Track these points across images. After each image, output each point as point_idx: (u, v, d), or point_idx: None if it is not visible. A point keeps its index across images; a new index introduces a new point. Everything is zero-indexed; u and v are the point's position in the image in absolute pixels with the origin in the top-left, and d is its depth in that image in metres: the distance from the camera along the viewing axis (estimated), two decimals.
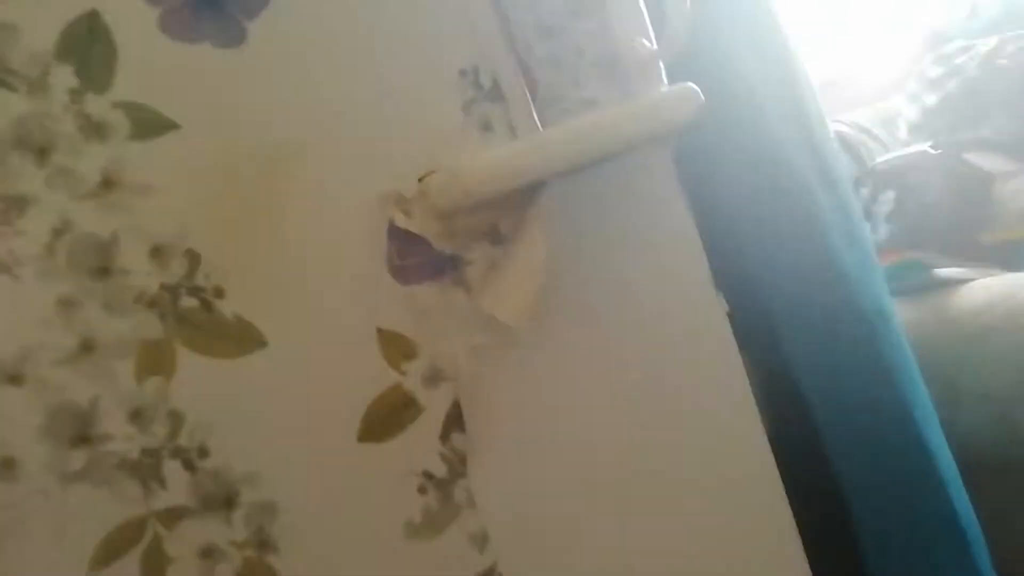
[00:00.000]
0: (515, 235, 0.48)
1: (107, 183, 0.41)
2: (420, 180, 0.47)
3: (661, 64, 0.51)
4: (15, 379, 0.40)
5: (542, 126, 0.49)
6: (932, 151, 1.24)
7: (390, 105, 0.47)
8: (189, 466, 0.42)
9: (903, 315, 0.76)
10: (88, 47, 0.41)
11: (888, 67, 1.53)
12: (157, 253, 0.42)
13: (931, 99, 1.39)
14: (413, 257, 0.48)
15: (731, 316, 0.55)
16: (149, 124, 0.42)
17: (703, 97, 0.49)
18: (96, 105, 0.41)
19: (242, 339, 0.44)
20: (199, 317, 0.43)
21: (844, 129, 1.41)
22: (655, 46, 0.51)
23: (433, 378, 0.47)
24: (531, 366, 0.50)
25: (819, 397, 0.66)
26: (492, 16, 0.50)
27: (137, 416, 0.42)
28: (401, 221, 0.47)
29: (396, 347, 0.47)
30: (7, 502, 0.39)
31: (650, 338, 0.52)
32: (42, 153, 0.40)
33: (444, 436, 0.47)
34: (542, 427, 0.50)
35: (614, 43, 0.51)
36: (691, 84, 0.49)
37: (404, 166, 0.47)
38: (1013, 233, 1.19)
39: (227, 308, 0.43)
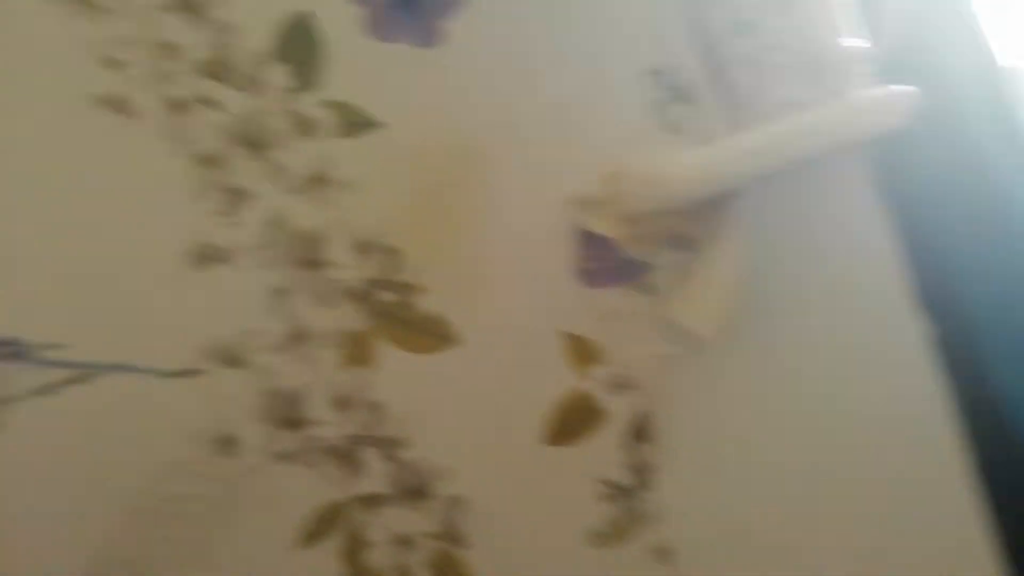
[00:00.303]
0: (707, 242, 0.46)
1: (315, 179, 0.43)
2: (608, 182, 0.46)
3: (872, 62, 0.47)
4: (234, 362, 0.42)
5: (736, 128, 0.46)
6: None
7: (578, 105, 0.46)
8: (387, 455, 0.44)
9: None
10: (302, 47, 0.43)
11: None
12: (360, 248, 0.44)
13: None
14: (599, 260, 0.47)
15: (934, 337, 0.51)
16: (354, 122, 0.43)
17: (918, 100, 0.45)
18: (307, 103, 0.43)
19: (437, 335, 0.44)
20: (398, 311, 0.44)
21: None
22: (866, 43, 0.47)
23: (618, 385, 0.46)
24: (720, 377, 0.48)
25: None
26: (684, 13, 0.48)
27: (341, 404, 0.43)
28: (590, 224, 0.46)
29: (580, 351, 0.46)
30: (225, 477, 0.42)
31: (844, 355, 0.49)
32: (258, 148, 0.42)
33: (629, 445, 0.46)
34: (731, 440, 0.48)
35: (818, 40, 0.47)
36: (907, 85, 0.45)
37: (591, 168, 0.46)
38: None
39: (424, 304, 0.44)
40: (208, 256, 0.42)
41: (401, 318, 0.44)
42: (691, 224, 0.47)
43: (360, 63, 0.43)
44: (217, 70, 0.41)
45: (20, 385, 0.40)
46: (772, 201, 0.48)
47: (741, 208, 0.46)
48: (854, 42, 0.47)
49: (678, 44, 0.46)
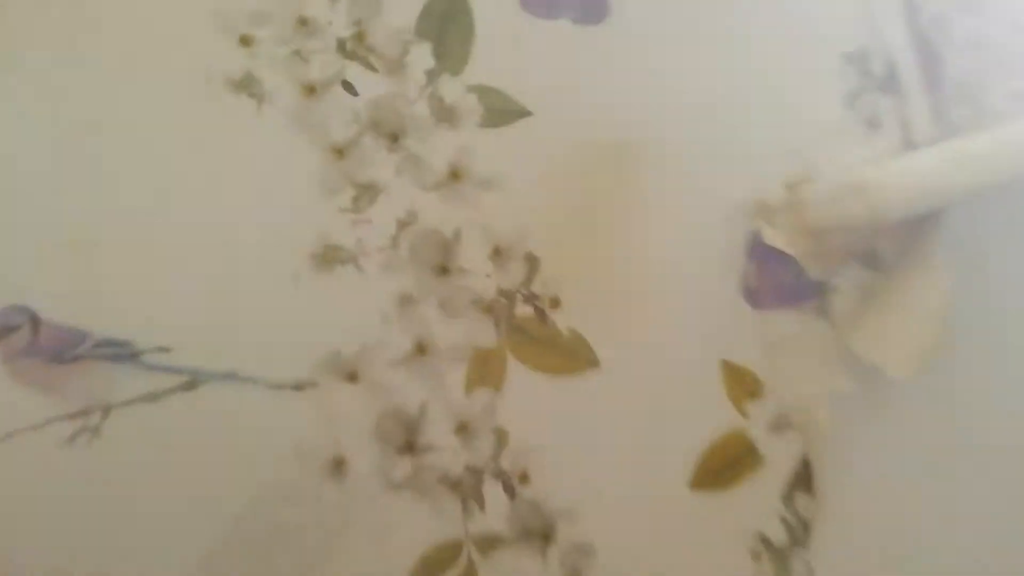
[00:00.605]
0: (901, 262, 0.39)
1: (454, 173, 0.38)
2: (791, 187, 0.39)
3: None
4: (352, 376, 0.38)
5: (951, 127, 0.39)
6: None
7: (758, 94, 0.40)
8: (509, 490, 0.39)
9: None
10: (448, 23, 0.37)
11: None
12: (497, 254, 0.38)
13: None
14: (770, 278, 0.40)
15: None
16: (501, 111, 0.38)
17: None
18: (450, 88, 0.38)
19: (574, 356, 0.39)
20: (533, 327, 0.39)
21: None
22: None
23: (779, 425, 0.40)
24: (897, 423, 0.41)
25: None
26: None
27: (463, 429, 0.38)
28: (767, 235, 0.39)
29: (741, 383, 0.40)
30: (336, 503, 0.38)
31: None
32: (394, 138, 0.37)
33: (786, 496, 0.40)
34: (903, 498, 0.41)
35: None
36: None
37: (770, 169, 0.40)
38: None
39: (561, 320, 0.39)
40: (332, 258, 0.37)
41: (536, 335, 0.39)
42: (882, 239, 0.40)
43: (512, 42, 0.38)
44: (355, 49, 0.37)
45: (125, 389, 0.36)
46: (977, 216, 0.41)
47: (946, 224, 0.39)
48: None
49: (884, 23, 0.39)
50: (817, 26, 0.40)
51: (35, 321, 0.35)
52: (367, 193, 0.37)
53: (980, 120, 0.39)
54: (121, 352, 0.36)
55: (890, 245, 0.40)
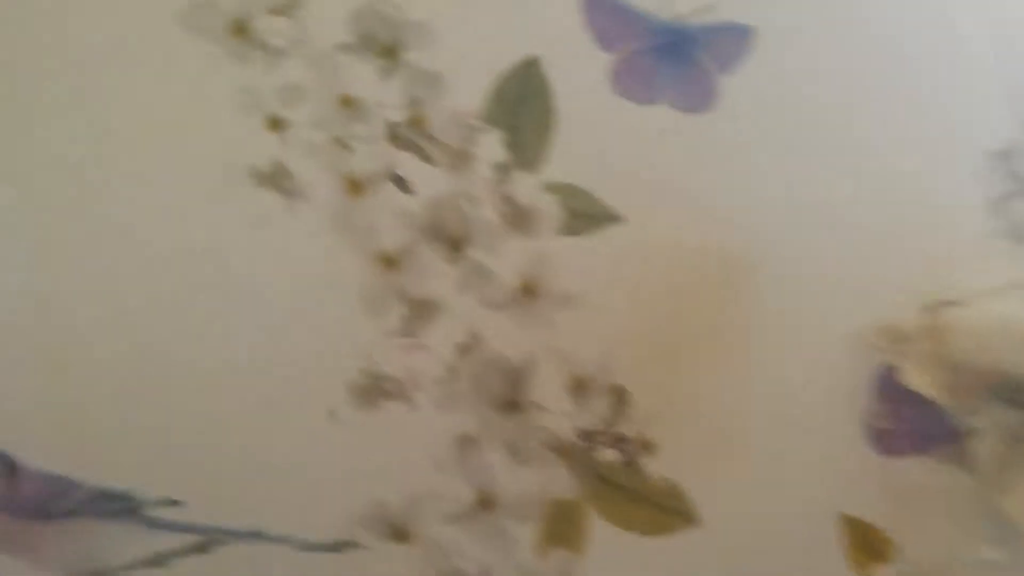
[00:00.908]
0: None
1: (527, 289, 0.31)
2: (927, 314, 0.33)
3: None
4: (401, 535, 0.31)
5: None
6: None
7: (889, 201, 0.33)
8: None
9: None
10: (524, 107, 0.31)
11: None
12: (577, 387, 0.32)
13: None
14: (902, 418, 0.33)
15: None
16: (585, 214, 0.31)
17: None
18: (525, 186, 0.31)
19: (669, 511, 0.32)
20: (620, 476, 0.32)
21: None
22: None
23: None
24: None
25: None
26: None
27: None
28: (900, 369, 0.32)
29: (865, 543, 0.33)
30: None
31: None
32: (455, 246, 0.31)
33: None
34: None
35: None
36: None
37: (902, 289, 0.33)
38: None
39: (654, 468, 0.32)
40: (378, 391, 0.31)
41: (623, 485, 0.32)
42: None
43: (600, 131, 0.31)
44: (410, 137, 0.30)
45: (123, 552, 0.29)
46: None
47: None
48: None
49: None
50: (958, 121, 0.33)
51: (12, 468, 0.29)
52: (421, 312, 0.31)
53: None
54: (119, 506, 0.29)
55: None
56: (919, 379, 0.33)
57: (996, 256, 0.34)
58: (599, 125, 0.31)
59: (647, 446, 0.32)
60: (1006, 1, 0.34)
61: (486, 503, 0.31)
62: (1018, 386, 0.34)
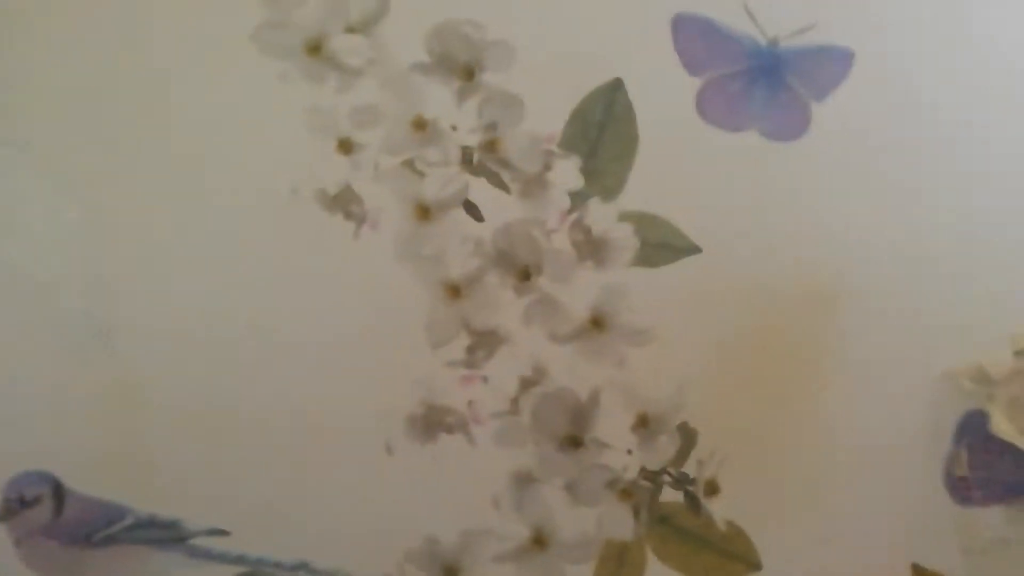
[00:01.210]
0: None
1: (596, 322, 0.30)
2: (1018, 353, 0.31)
3: None
4: (452, 572, 0.30)
5: None
6: None
7: (982, 237, 0.31)
8: None
9: None
10: (604, 133, 0.29)
11: None
12: (642, 424, 0.30)
13: None
14: (984, 467, 0.32)
15: None
16: (663, 245, 0.30)
17: None
18: (601, 215, 0.29)
19: (731, 557, 0.31)
20: (682, 518, 0.31)
21: None
22: None
23: None
24: None
25: None
26: None
27: None
28: (989, 417, 0.31)
29: None
30: None
31: None
32: (525, 275, 0.29)
33: None
34: None
35: None
36: None
37: (992, 330, 0.31)
38: None
39: (719, 510, 0.31)
40: (436, 423, 0.29)
41: (685, 528, 0.31)
42: None
43: (683, 159, 0.29)
44: (484, 162, 0.29)
45: None
46: None
47: None
48: None
49: None
50: None
51: (59, 492, 0.28)
52: (486, 343, 0.29)
53: None
54: (167, 535, 0.28)
55: None
56: (1006, 426, 0.31)
57: None
58: (682, 152, 0.30)
59: (713, 488, 0.31)
60: None
61: (541, 542, 0.30)
62: None
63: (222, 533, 0.29)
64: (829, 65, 0.29)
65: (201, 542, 0.29)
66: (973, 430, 0.32)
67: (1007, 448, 0.32)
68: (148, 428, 0.28)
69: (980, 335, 0.31)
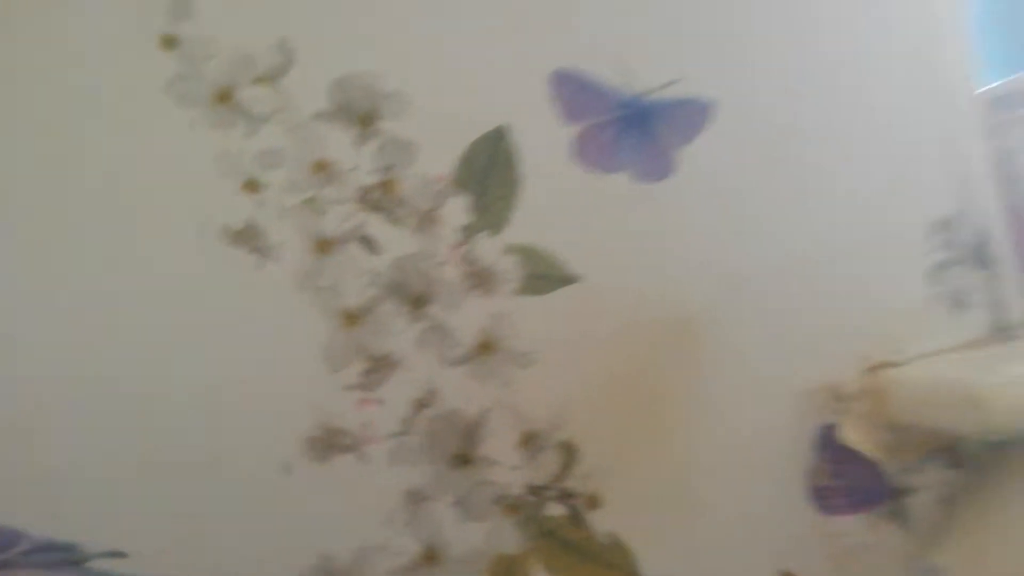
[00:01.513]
0: (1004, 470, 0.34)
1: (485, 346, 0.32)
2: (867, 373, 0.35)
3: None
4: None
5: None
6: None
7: (833, 267, 0.35)
8: None
9: None
10: (491, 174, 0.32)
11: None
12: (528, 442, 0.33)
13: None
14: (842, 477, 0.35)
15: None
16: (544, 276, 0.33)
17: None
18: (488, 248, 0.32)
19: (613, 566, 0.33)
20: (566, 531, 0.33)
21: None
22: None
23: None
24: None
25: None
26: (986, 154, 0.37)
27: None
28: (842, 430, 0.34)
29: None
30: None
31: None
32: (418, 303, 0.32)
33: None
34: None
35: None
36: None
37: (844, 351, 0.35)
38: None
39: (600, 523, 0.33)
40: (333, 444, 0.31)
41: (568, 540, 0.33)
42: (980, 441, 0.35)
43: (562, 198, 0.33)
44: (381, 200, 0.31)
45: None
46: None
47: None
48: None
49: (977, 188, 0.35)
50: (901, 191, 0.36)
51: None
52: (381, 367, 0.32)
53: None
54: (63, 558, 0.29)
55: (989, 444, 0.35)
56: (859, 438, 0.35)
57: (934, 321, 0.36)
58: (561, 191, 0.33)
59: (594, 501, 0.33)
60: (941, 84, 0.36)
61: (432, 557, 0.32)
62: (953, 446, 0.36)
63: (120, 555, 0.30)
64: (691, 114, 0.33)
65: (99, 564, 0.30)
66: (831, 443, 0.35)
67: (860, 459, 0.35)
68: (45, 453, 0.29)
69: (834, 357, 0.35)
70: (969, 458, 0.35)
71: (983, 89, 0.38)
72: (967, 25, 0.37)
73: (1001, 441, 0.34)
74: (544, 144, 0.32)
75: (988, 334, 0.36)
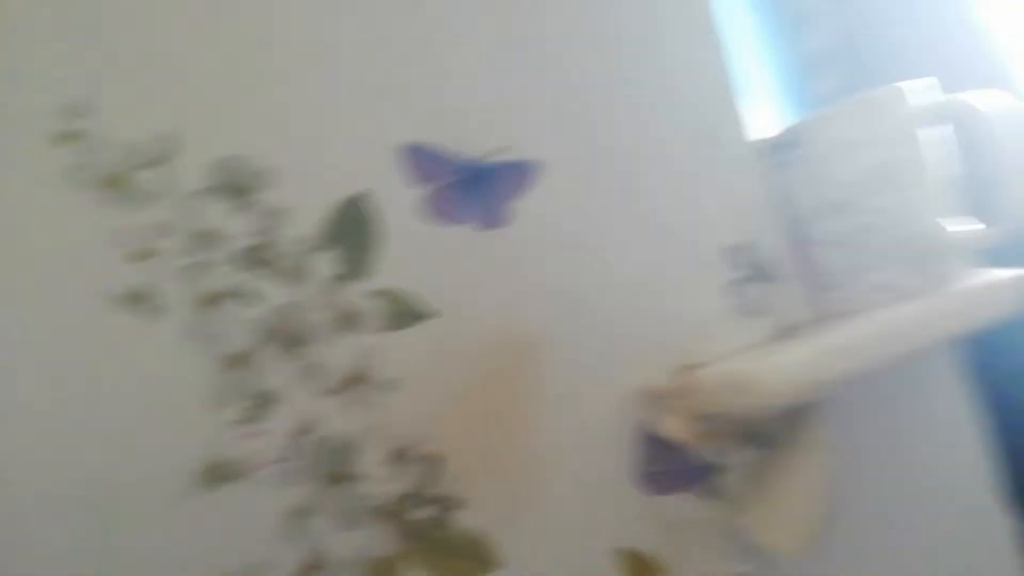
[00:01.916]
0: (787, 443, 0.43)
1: (355, 378, 0.38)
2: (679, 375, 0.42)
3: (982, 244, 0.43)
4: None
5: (818, 312, 0.44)
6: None
7: (648, 287, 0.43)
8: None
9: None
10: (354, 231, 0.38)
11: None
12: (398, 456, 0.38)
13: None
14: (664, 463, 0.42)
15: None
16: (405, 313, 0.38)
17: None
18: (352, 293, 0.38)
19: (477, 558, 0.39)
20: (434, 532, 0.39)
21: None
22: (976, 225, 0.43)
23: None
24: None
25: None
26: (767, 190, 0.45)
27: None
28: (655, 421, 0.42)
29: (641, 568, 0.41)
30: None
31: (926, 552, 0.46)
32: (294, 345, 0.37)
33: None
34: None
35: (916, 222, 0.43)
36: (1013, 270, 0.42)
37: (658, 356, 0.42)
38: None
39: (465, 521, 0.39)
40: (221, 473, 0.36)
41: (435, 538, 0.39)
42: (769, 421, 0.43)
43: (417, 248, 0.39)
44: (258, 259, 0.36)
45: None
46: (858, 396, 0.46)
47: (828, 407, 0.43)
48: (959, 224, 0.43)
49: (759, 222, 0.44)
50: (700, 224, 0.44)
51: None
52: (262, 403, 0.36)
53: (846, 309, 0.44)
54: None
55: (776, 426, 0.43)
56: (675, 429, 0.42)
57: (732, 327, 0.44)
58: (415, 242, 0.39)
59: (458, 503, 0.39)
60: (726, 139, 0.45)
61: (317, 565, 0.37)
62: (751, 428, 0.44)
63: None
64: (521, 173, 0.40)
65: None
66: (654, 435, 0.43)
67: (679, 447, 0.43)
68: None
69: (652, 362, 0.42)
70: (765, 436, 0.44)
71: (762, 137, 0.46)
72: (741, 90, 0.46)
73: (785, 419, 0.43)
74: (398, 203, 0.39)
75: (774, 334, 0.45)
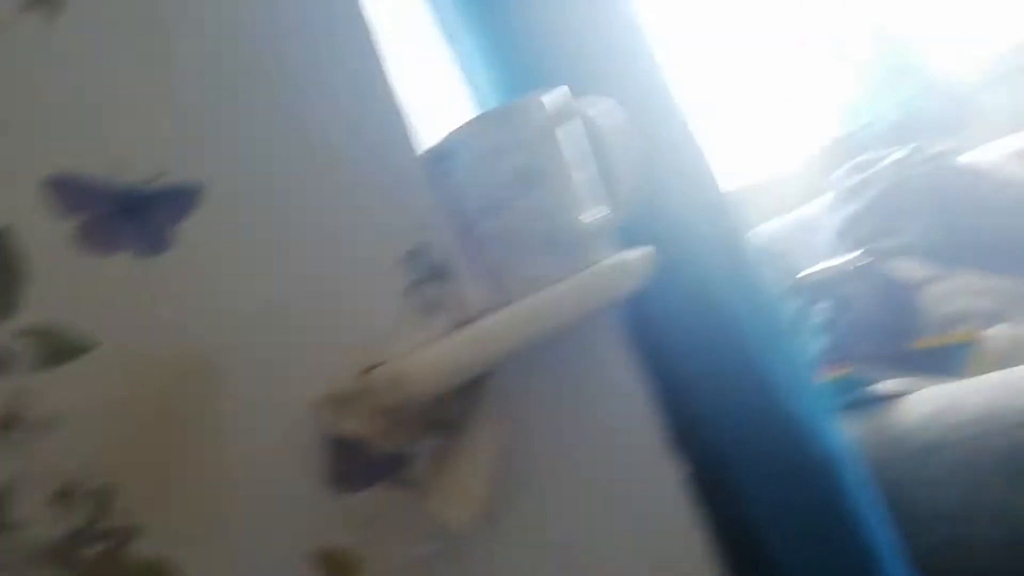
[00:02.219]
0: (464, 424, 0.46)
1: (5, 423, 0.37)
2: (361, 375, 0.44)
3: (611, 229, 0.51)
4: None
5: (494, 304, 0.48)
6: (858, 261, 1.30)
7: (325, 299, 0.45)
8: None
9: (846, 433, 0.76)
10: None
11: (794, 175, 1.61)
12: (62, 496, 0.37)
13: (851, 208, 1.47)
14: (352, 462, 0.44)
15: (691, 475, 0.55)
16: (60, 349, 0.38)
17: (655, 259, 0.48)
18: (1, 334, 0.37)
19: None
20: (107, 566, 0.38)
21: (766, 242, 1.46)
22: (605, 213, 0.51)
23: None
24: (486, 566, 0.46)
25: (784, 551, 0.65)
26: (433, 195, 0.49)
27: None
28: (337, 423, 0.43)
29: (337, 566, 0.43)
30: None
31: (607, 509, 0.51)
32: None
33: None
34: None
35: (560, 217, 0.49)
36: (639, 249, 0.49)
37: (341, 363, 0.44)
38: (941, 339, 1.24)
39: (143, 548, 0.39)
40: None
41: (109, 573, 0.38)
42: (448, 407, 0.46)
43: (70, 281, 0.39)
44: None
45: None
46: (528, 371, 0.50)
47: (497, 385, 0.46)
48: (595, 213, 0.50)
49: (432, 225, 0.47)
50: (374, 234, 0.46)
51: None
52: None
53: (510, 298, 0.48)
54: None
55: (455, 411, 0.46)
56: (360, 428, 0.44)
57: (412, 326, 0.47)
58: (68, 275, 0.39)
59: (134, 532, 0.39)
60: (390, 151, 0.48)
61: None
62: (430, 416, 0.47)
63: None
64: (180, 198, 0.41)
65: None
66: (341, 437, 0.44)
67: (365, 444, 0.44)
68: None
69: (336, 368, 0.44)
70: (445, 421, 0.47)
71: (425, 148, 0.50)
72: (410, 104, 0.50)
73: (460, 402, 0.46)
74: (46, 237, 0.39)
75: (452, 329, 0.48)
